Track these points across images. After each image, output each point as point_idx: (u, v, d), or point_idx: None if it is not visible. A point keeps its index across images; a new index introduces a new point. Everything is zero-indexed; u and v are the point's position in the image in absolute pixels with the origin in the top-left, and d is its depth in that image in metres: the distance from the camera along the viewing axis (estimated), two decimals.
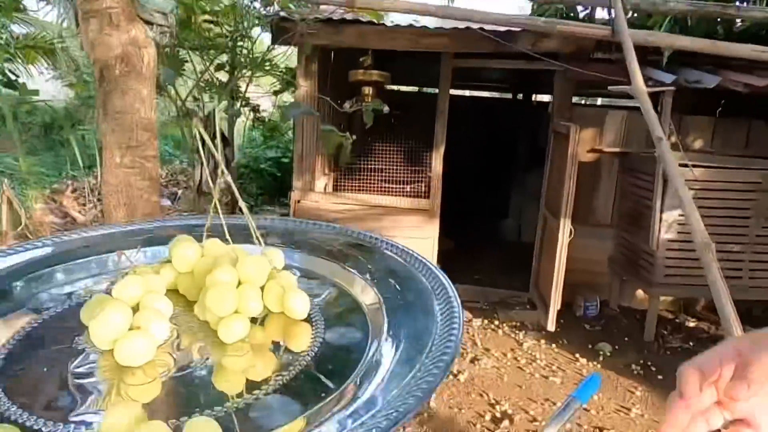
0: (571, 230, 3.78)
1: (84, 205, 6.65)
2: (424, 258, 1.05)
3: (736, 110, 4.87)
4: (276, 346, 0.87)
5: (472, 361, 3.64)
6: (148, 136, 1.69)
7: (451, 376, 3.41)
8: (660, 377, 3.54)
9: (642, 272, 4.14)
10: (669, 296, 4.34)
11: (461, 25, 3.90)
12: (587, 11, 5.03)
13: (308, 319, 0.89)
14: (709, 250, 1.38)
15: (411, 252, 1.08)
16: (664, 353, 3.94)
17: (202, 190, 4.21)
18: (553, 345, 3.93)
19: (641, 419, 3.07)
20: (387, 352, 0.77)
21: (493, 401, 3.17)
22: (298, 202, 4.61)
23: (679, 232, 3.89)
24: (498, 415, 3.03)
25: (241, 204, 1.05)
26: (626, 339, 4.11)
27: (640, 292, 4.66)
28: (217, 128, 4.15)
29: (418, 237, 4.63)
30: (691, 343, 4.08)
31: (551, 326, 3.95)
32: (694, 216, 1.43)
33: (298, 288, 0.89)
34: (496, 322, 4.27)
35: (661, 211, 3.84)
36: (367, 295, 0.95)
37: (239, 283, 0.87)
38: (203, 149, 4.18)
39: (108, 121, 1.66)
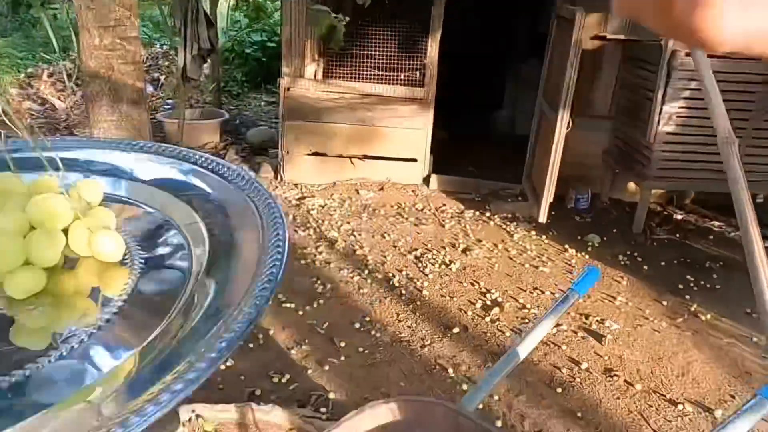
0: (569, 122, 3.70)
1: (62, 90, 6.37)
2: (260, 185, 0.93)
3: None
4: (95, 291, 0.78)
5: (463, 251, 3.70)
6: (128, 14, 1.55)
7: (443, 266, 3.47)
8: (646, 268, 3.64)
9: (636, 166, 4.12)
10: (661, 189, 4.36)
11: None
12: None
13: (124, 261, 0.78)
14: (731, 146, 1.32)
15: (253, 181, 0.94)
16: (651, 245, 4.02)
17: (186, 75, 4.01)
18: (543, 236, 3.99)
19: (626, 306, 3.19)
20: (205, 292, 0.71)
21: (483, 290, 3.26)
22: (288, 90, 4.43)
23: (677, 125, 3.82)
24: (488, 303, 3.13)
25: (25, 134, 0.89)
26: (615, 231, 4.18)
27: (631, 185, 4.68)
28: (200, 8, 3.86)
29: (412, 127, 4.54)
30: (677, 235, 4.17)
31: (543, 218, 3.99)
32: (720, 110, 1.36)
33: (110, 228, 0.77)
34: (488, 214, 4.30)
35: (663, 103, 3.74)
36: (195, 233, 0.83)
37: (31, 228, 0.74)
38: (185, 32, 3.93)
39: None
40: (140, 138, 1.63)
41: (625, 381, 2.57)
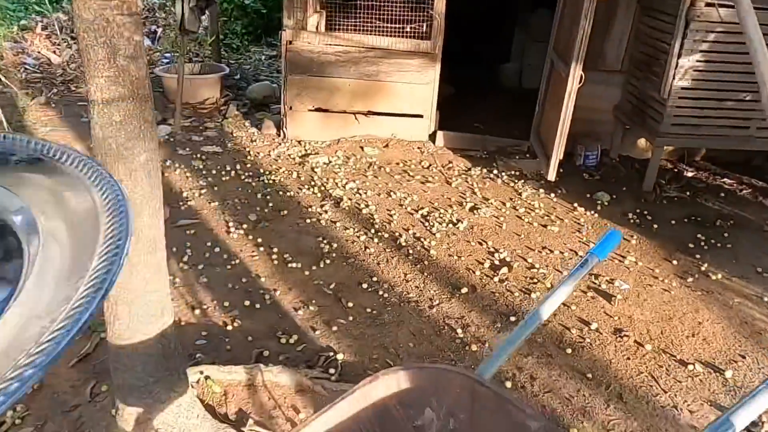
0: (581, 76, 3.57)
1: (57, 44, 6.19)
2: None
3: None
4: None
5: (471, 210, 3.64)
6: None
7: (450, 225, 3.42)
8: (656, 226, 3.59)
9: (649, 121, 4.01)
10: (674, 146, 4.26)
11: None
12: None
13: None
14: None
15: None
16: (661, 202, 3.96)
17: (185, 27, 3.86)
18: (552, 194, 3.93)
19: (635, 266, 3.15)
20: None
21: (492, 249, 3.22)
22: (290, 43, 4.28)
23: (693, 80, 3.69)
24: (497, 262, 3.09)
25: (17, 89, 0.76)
26: (624, 189, 4.11)
27: (641, 142, 4.58)
28: None
29: (419, 82, 4.41)
30: (688, 193, 4.10)
31: (552, 176, 3.91)
32: (764, 57, 1.28)
33: None
34: (495, 171, 4.22)
35: (679, 56, 3.61)
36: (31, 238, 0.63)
37: None
38: None
39: None
40: (141, 94, 1.54)
41: (635, 341, 2.55)
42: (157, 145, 1.65)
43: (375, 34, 4.36)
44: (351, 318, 2.59)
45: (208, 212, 3.39)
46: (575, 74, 3.57)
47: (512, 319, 2.64)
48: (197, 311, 2.56)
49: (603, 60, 4.37)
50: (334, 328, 2.52)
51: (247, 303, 2.63)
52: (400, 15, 4.35)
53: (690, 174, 4.44)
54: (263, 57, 7.01)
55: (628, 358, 2.45)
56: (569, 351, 2.46)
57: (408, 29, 4.36)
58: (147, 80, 1.59)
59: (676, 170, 4.47)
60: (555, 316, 2.67)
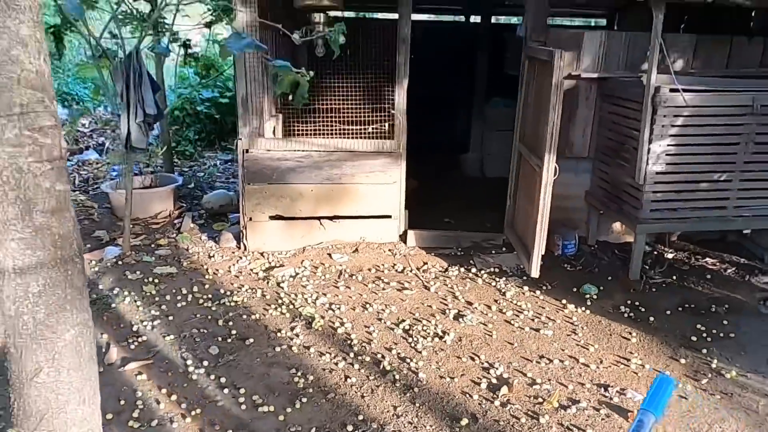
0: (556, 168, 3.44)
1: None
2: None
3: (701, 27, 4.55)
4: None
5: (455, 318, 3.34)
6: (41, 96, 1.17)
7: (437, 339, 3.10)
8: (652, 319, 3.36)
9: (626, 207, 3.88)
10: (656, 231, 4.13)
11: None
12: None
13: None
14: None
15: None
16: (649, 290, 3.76)
17: (131, 145, 3.60)
18: (537, 291, 3.68)
19: (642, 370, 2.88)
20: None
21: (486, 364, 2.89)
22: (247, 151, 4.06)
23: (667, 164, 3.61)
24: (494, 380, 2.76)
25: None
26: (609, 278, 3.91)
27: (617, 226, 4.46)
28: (143, 71, 3.49)
29: (384, 182, 4.22)
30: (674, 277, 3.92)
31: (536, 273, 3.68)
32: None
33: None
34: (474, 270, 3.96)
35: (650, 142, 3.53)
36: None
37: None
38: (128, 97, 3.54)
39: None
40: (66, 256, 1.22)
41: None
42: (89, 315, 1.31)
43: (336, 137, 4.20)
44: None
45: (162, 348, 2.97)
46: (549, 166, 3.44)
47: None
48: None
49: (570, 148, 4.30)
50: None
51: None
52: (361, 116, 4.21)
53: (671, 256, 4.29)
54: (218, 162, 6.79)
55: None
56: None
57: (370, 129, 4.22)
58: (75, 235, 1.27)
59: (656, 253, 4.33)
60: None
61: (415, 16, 7.76)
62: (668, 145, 3.57)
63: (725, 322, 3.36)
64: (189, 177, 5.98)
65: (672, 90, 3.44)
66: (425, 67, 6.27)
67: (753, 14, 4.75)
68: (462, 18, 7.45)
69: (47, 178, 1.18)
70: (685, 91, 3.44)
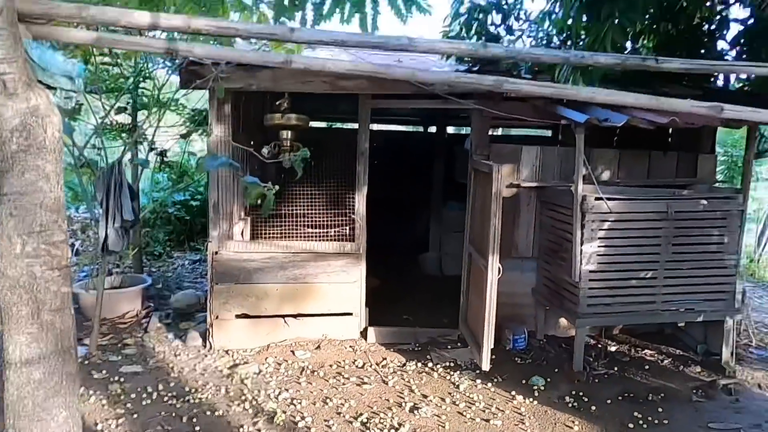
0: (499, 268, 3.80)
1: None
2: None
3: (626, 142, 5.21)
4: None
5: (411, 410, 3.53)
6: (55, 217, 1.47)
7: (392, 431, 3.27)
8: (593, 408, 3.60)
9: (566, 303, 4.24)
10: (595, 326, 4.47)
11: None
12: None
13: None
14: None
15: None
16: (592, 381, 4.02)
17: (107, 248, 3.84)
18: (489, 384, 3.91)
19: None
20: None
21: None
22: (216, 253, 4.33)
23: (599, 264, 4.02)
24: None
25: None
26: (556, 370, 4.17)
27: (563, 321, 4.78)
28: (123, 181, 3.82)
29: (346, 281, 4.51)
30: (615, 369, 4.21)
31: (486, 365, 3.93)
32: None
33: None
34: (430, 364, 4.19)
35: (582, 243, 3.96)
36: None
37: None
38: (108, 204, 3.83)
39: (5, 204, 1.41)
40: (65, 347, 1.47)
41: None
42: (77, 399, 1.53)
43: (301, 239, 4.53)
44: None
45: None
46: (494, 266, 3.79)
47: None
48: None
49: (516, 248, 4.71)
50: None
51: None
52: (324, 220, 4.58)
53: (613, 348, 4.61)
54: (186, 262, 7.00)
55: None
56: None
57: (332, 232, 4.57)
58: (72, 330, 1.52)
59: (600, 345, 4.64)
60: None
61: (379, 126, 8.48)
62: (598, 246, 4.00)
63: (660, 409, 3.63)
64: (158, 277, 6.15)
65: (597, 198, 3.92)
66: (387, 171, 6.83)
67: (670, 131, 5.44)
68: (420, 128, 8.15)
69: (55, 283, 1.45)
70: (608, 199, 3.93)
